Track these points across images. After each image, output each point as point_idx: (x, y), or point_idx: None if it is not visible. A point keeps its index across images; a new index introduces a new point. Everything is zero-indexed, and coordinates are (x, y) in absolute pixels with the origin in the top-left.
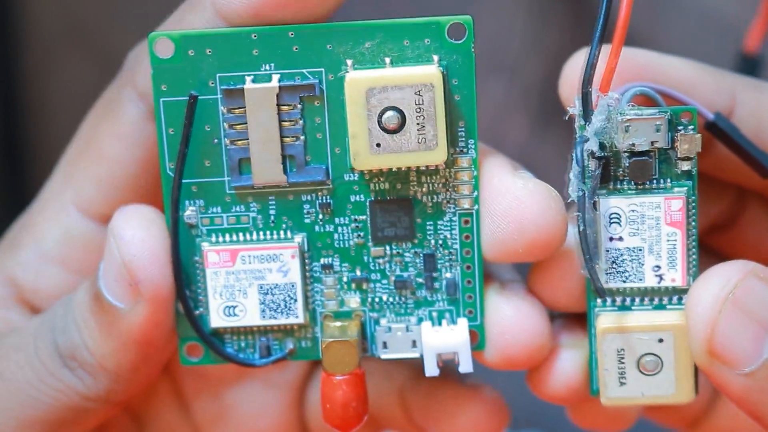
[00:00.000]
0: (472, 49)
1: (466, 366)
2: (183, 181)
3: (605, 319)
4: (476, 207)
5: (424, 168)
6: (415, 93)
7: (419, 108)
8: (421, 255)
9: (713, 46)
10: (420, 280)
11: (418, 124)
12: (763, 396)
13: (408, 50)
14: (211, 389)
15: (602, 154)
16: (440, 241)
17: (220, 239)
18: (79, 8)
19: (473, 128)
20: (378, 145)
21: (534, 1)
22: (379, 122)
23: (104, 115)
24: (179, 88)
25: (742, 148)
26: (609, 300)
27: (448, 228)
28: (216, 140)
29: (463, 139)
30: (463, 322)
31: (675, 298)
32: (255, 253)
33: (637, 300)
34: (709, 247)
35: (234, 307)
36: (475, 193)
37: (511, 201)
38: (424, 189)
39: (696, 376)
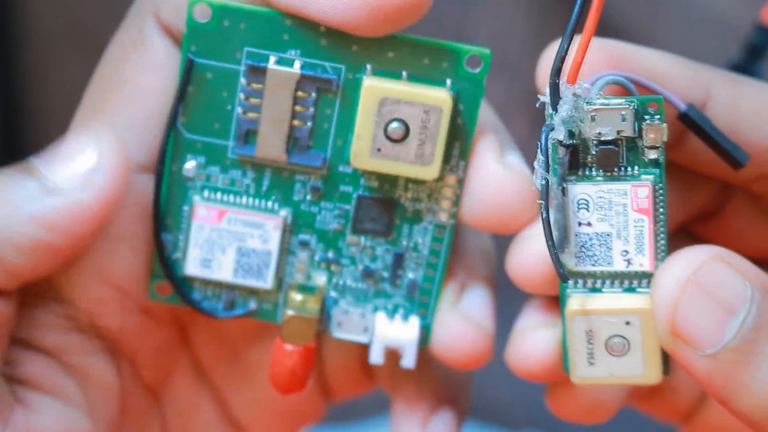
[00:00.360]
0: (484, 82)
1: (409, 362)
2: (189, 136)
3: (574, 302)
4: (452, 222)
5: (414, 177)
6: (424, 111)
7: (424, 126)
8: (392, 253)
9: (713, 45)
10: (385, 274)
11: (419, 140)
12: (726, 379)
13: (426, 69)
14: (228, 352)
15: (570, 142)
16: (412, 244)
17: (212, 197)
18: (79, 8)
19: (467, 152)
20: (379, 150)
21: (534, 1)
22: (385, 130)
23: (131, 49)
24: (207, 52)
25: (713, 140)
26: (580, 282)
27: (422, 234)
28: (229, 107)
29: (456, 158)
30: (414, 321)
31: (644, 282)
32: (241, 217)
33: (608, 282)
34: (697, 235)
35: (210, 260)
36: (454, 209)
37: (494, 189)
38: (409, 195)
39: (665, 358)
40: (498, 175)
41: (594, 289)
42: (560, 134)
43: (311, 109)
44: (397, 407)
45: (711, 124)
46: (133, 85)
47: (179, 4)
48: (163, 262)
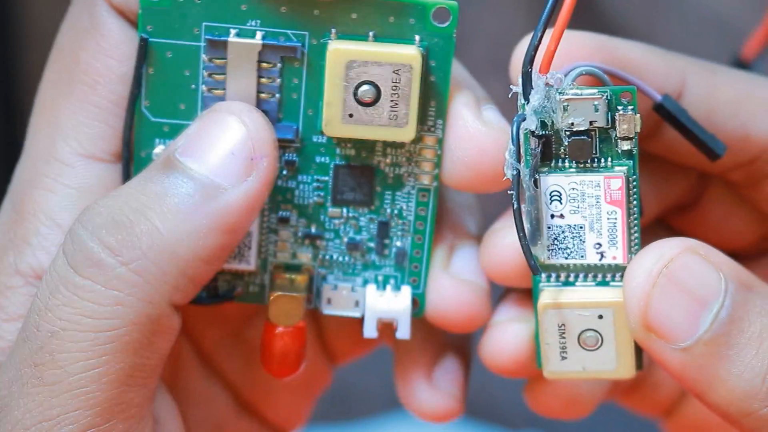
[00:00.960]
0: (454, 35)
1: (403, 333)
2: (155, 119)
3: (546, 295)
4: (435, 184)
5: (391, 141)
6: (394, 71)
7: (395, 86)
8: (376, 222)
9: (712, 46)
10: (371, 244)
11: (392, 101)
12: (700, 372)
13: (392, 27)
14: (228, 335)
15: (542, 133)
16: (396, 211)
17: None
18: None
19: (443, 110)
20: (351, 115)
21: (534, 1)
22: (355, 94)
23: (85, 36)
24: (165, 31)
25: (690, 131)
26: (553, 276)
27: (406, 200)
28: (194, 86)
29: (432, 118)
30: (406, 290)
31: (617, 276)
32: None
33: (581, 276)
34: (674, 227)
35: None
36: (436, 171)
37: (474, 150)
38: (387, 160)
39: (638, 352)
40: (477, 133)
41: (567, 283)
42: (532, 124)
43: (277, 81)
44: (401, 359)
45: (687, 114)
46: (94, 71)
47: None
48: None
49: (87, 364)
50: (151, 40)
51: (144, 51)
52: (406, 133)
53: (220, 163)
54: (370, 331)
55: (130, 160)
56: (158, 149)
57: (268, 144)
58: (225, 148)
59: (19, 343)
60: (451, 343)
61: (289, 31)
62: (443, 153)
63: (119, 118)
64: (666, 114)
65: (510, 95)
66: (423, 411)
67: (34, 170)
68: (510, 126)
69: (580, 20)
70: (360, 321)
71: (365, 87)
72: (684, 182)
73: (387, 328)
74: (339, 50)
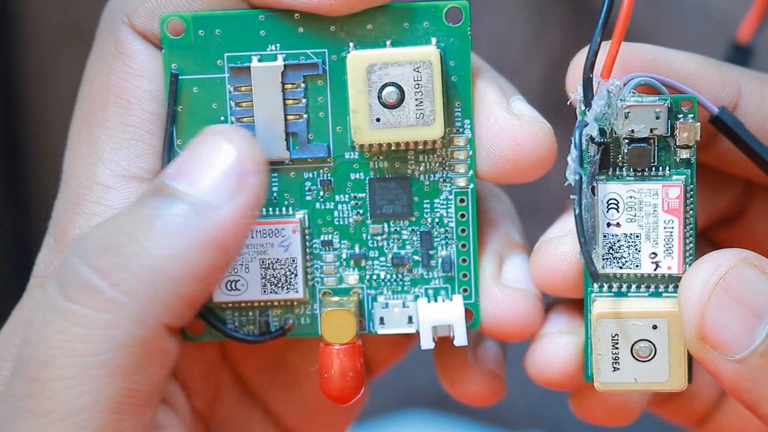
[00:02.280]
0: (469, 32)
1: (461, 339)
2: None
3: (601, 305)
4: (471, 186)
5: (421, 147)
6: (414, 69)
7: (417, 84)
8: (418, 233)
9: (715, 44)
10: (417, 257)
11: (416, 99)
12: (754, 384)
13: (408, 33)
14: (268, 362)
15: (602, 140)
16: (437, 219)
17: None
18: (79, 8)
19: (469, 109)
20: (378, 120)
21: (534, 1)
22: (379, 98)
23: (113, 60)
24: (189, 67)
25: (746, 144)
26: (606, 286)
27: (445, 206)
28: (223, 117)
29: (460, 119)
30: (458, 298)
31: (671, 286)
32: (258, 228)
33: (633, 286)
34: (715, 241)
35: (236, 281)
36: (471, 172)
37: (509, 145)
38: (421, 168)
39: (690, 364)
40: (510, 127)
41: (619, 293)
42: (593, 130)
43: (303, 101)
44: (442, 348)
45: (744, 127)
46: (126, 92)
47: (150, 9)
48: None
49: (77, 392)
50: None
51: (176, 87)
52: (435, 131)
53: (209, 183)
54: (426, 342)
55: None
56: None
57: (256, 162)
58: (213, 168)
59: (11, 378)
60: None
61: (308, 51)
62: (477, 150)
63: (155, 136)
64: (722, 126)
65: (569, 102)
66: (469, 394)
67: (75, 198)
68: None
69: (581, 20)
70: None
71: (389, 89)
72: (729, 195)
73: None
74: (358, 56)
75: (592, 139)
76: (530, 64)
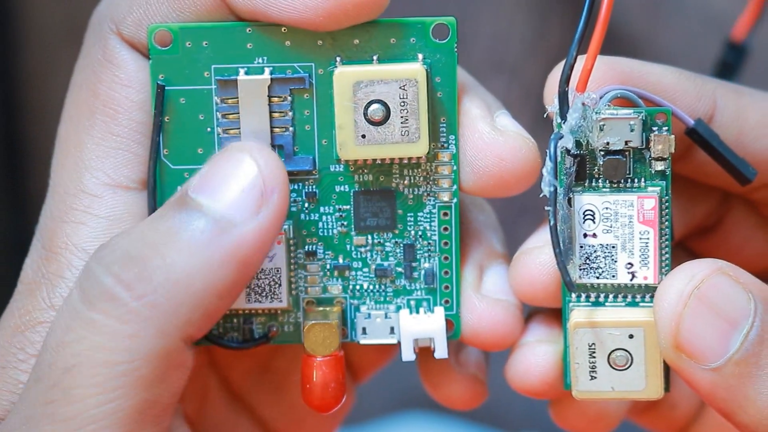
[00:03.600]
0: (455, 49)
1: (441, 352)
2: (175, 167)
3: (578, 314)
4: (455, 200)
5: (406, 161)
6: (400, 87)
7: (403, 102)
8: (402, 245)
9: (713, 46)
10: (399, 269)
11: (402, 117)
12: (730, 392)
13: (395, 48)
14: (255, 366)
15: (577, 152)
16: (420, 232)
17: None
18: (79, 8)
19: (454, 124)
20: (363, 136)
21: (534, 1)
22: (365, 114)
23: (101, 69)
24: (176, 78)
25: (721, 155)
26: (583, 296)
27: (428, 220)
28: (209, 129)
29: (444, 134)
30: (439, 311)
31: (647, 296)
32: None
33: (611, 296)
34: (693, 251)
35: None
36: (454, 187)
37: (493, 160)
38: (405, 182)
39: (667, 373)
40: (494, 143)
41: (596, 303)
42: (568, 143)
43: (289, 114)
44: (425, 352)
45: (719, 139)
46: (113, 101)
47: (139, 18)
48: None
49: (100, 399)
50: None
51: (162, 98)
52: (420, 148)
53: (232, 199)
54: (407, 354)
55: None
56: None
57: (279, 179)
58: (237, 184)
59: (31, 384)
60: None
61: (295, 64)
62: (461, 165)
63: (141, 145)
64: (698, 138)
65: (545, 115)
66: (451, 397)
67: (62, 205)
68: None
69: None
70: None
71: (374, 106)
72: (706, 205)
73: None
74: (345, 73)
75: (567, 151)
76: (530, 64)
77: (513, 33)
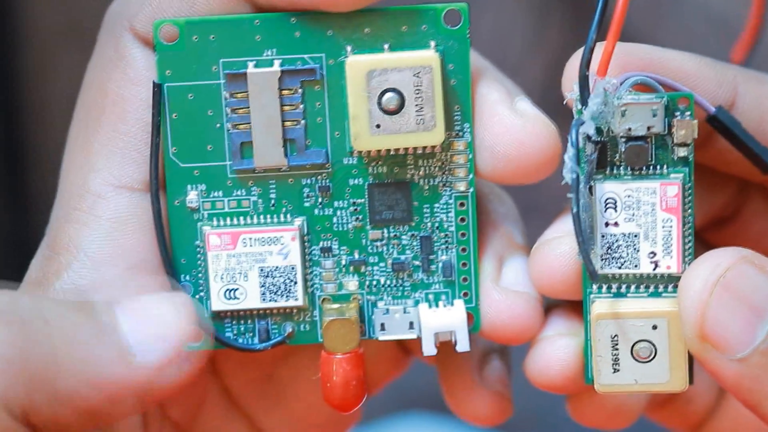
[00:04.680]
0: (468, 35)
1: (463, 345)
2: (185, 165)
3: (600, 305)
4: (471, 190)
5: (421, 151)
6: (414, 75)
7: (418, 90)
8: (418, 237)
9: (713, 45)
10: (417, 262)
11: (416, 105)
12: (756, 383)
13: (406, 36)
14: (257, 375)
15: (599, 139)
16: (437, 224)
17: (222, 223)
18: (79, 8)
19: (468, 112)
20: (378, 126)
21: (534, 1)
22: (379, 104)
23: (112, 67)
24: (183, 73)
25: (743, 143)
26: (605, 287)
27: (445, 211)
28: (218, 125)
29: (459, 122)
30: (459, 303)
31: (670, 286)
32: (256, 236)
33: (633, 287)
34: (710, 242)
35: (235, 290)
36: (471, 176)
37: (513, 144)
38: (421, 172)
39: (690, 365)
40: (514, 127)
41: (618, 294)
42: (590, 128)
43: (300, 107)
44: (447, 369)
45: (741, 126)
46: (122, 100)
47: (152, 13)
48: None
49: None
50: (170, 84)
51: (158, 97)
52: (436, 136)
53: (144, 328)
54: (429, 348)
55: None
56: (191, 195)
57: (197, 354)
58: (154, 317)
59: None
60: (492, 346)
61: (305, 55)
62: (479, 150)
63: (149, 145)
64: (719, 125)
65: (565, 102)
66: (476, 414)
67: (67, 206)
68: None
69: (581, 20)
70: (394, 344)
71: (389, 95)
72: (724, 195)
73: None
74: (357, 62)
75: (588, 137)
76: (530, 64)
77: (513, 33)
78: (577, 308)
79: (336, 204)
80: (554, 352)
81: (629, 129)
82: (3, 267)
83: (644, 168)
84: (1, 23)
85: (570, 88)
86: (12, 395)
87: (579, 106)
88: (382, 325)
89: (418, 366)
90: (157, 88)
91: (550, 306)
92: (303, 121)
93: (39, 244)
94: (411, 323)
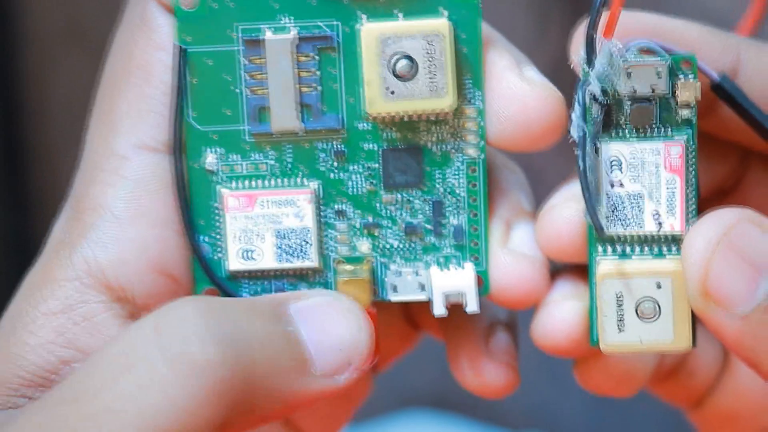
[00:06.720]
0: (479, 4)
1: (473, 306)
2: (203, 128)
3: (605, 266)
4: (482, 156)
5: (434, 118)
6: (427, 42)
7: (430, 57)
8: (430, 202)
9: None
10: (428, 226)
11: (429, 72)
12: (757, 341)
13: (419, 4)
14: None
15: (604, 100)
16: (448, 189)
17: (239, 185)
18: (79, 8)
19: (479, 80)
20: (392, 92)
21: (534, 1)
22: (393, 70)
23: (137, 34)
24: (203, 39)
25: (746, 111)
26: (609, 249)
27: (456, 176)
28: (237, 89)
29: (471, 90)
30: (469, 266)
31: (674, 248)
32: (273, 198)
33: (637, 249)
34: None
35: (251, 251)
36: (482, 143)
37: (519, 108)
38: (433, 138)
39: (694, 327)
40: (521, 92)
41: (623, 255)
42: (596, 89)
43: (316, 72)
44: (454, 341)
45: (744, 94)
46: (147, 64)
47: None
48: (204, 266)
49: None
50: (191, 50)
51: (182, 60)
52: (447, 102)
53: (332, 357)
54: (439, 309)
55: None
56: (209, 158)
57: (364, 358)
58: (345, 349)
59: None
60: (499, 318)
61: (321, 22)
62: (487, 115)
63: (167, 106)
64: (723, 93)
65: (572, 65)
66: (482, 384)
67: (92, 167)
68: (575, 94)
69: (581, 20)
70: (404, 313)
71: (402, 61)
72: (725, 166)
73: (432, 319)
74: (371, 28)
75: (594, 98)
76: (530, 61)
77: (513, 33)
78: (582, 273)
79: (350, 168)
80: (560, 314)
81: (634, 90)
82: (3, 267)
83: (649, 129)
84: (1, 23)
85: (577, 52)
86: (219, 421)
87: (585, 69)
88: (394, 286)
89: (418, 364)
90: (182, 52)
91: (556, 272)
92: (318, 87)
93: (39, 243)
94: (422, 285)
